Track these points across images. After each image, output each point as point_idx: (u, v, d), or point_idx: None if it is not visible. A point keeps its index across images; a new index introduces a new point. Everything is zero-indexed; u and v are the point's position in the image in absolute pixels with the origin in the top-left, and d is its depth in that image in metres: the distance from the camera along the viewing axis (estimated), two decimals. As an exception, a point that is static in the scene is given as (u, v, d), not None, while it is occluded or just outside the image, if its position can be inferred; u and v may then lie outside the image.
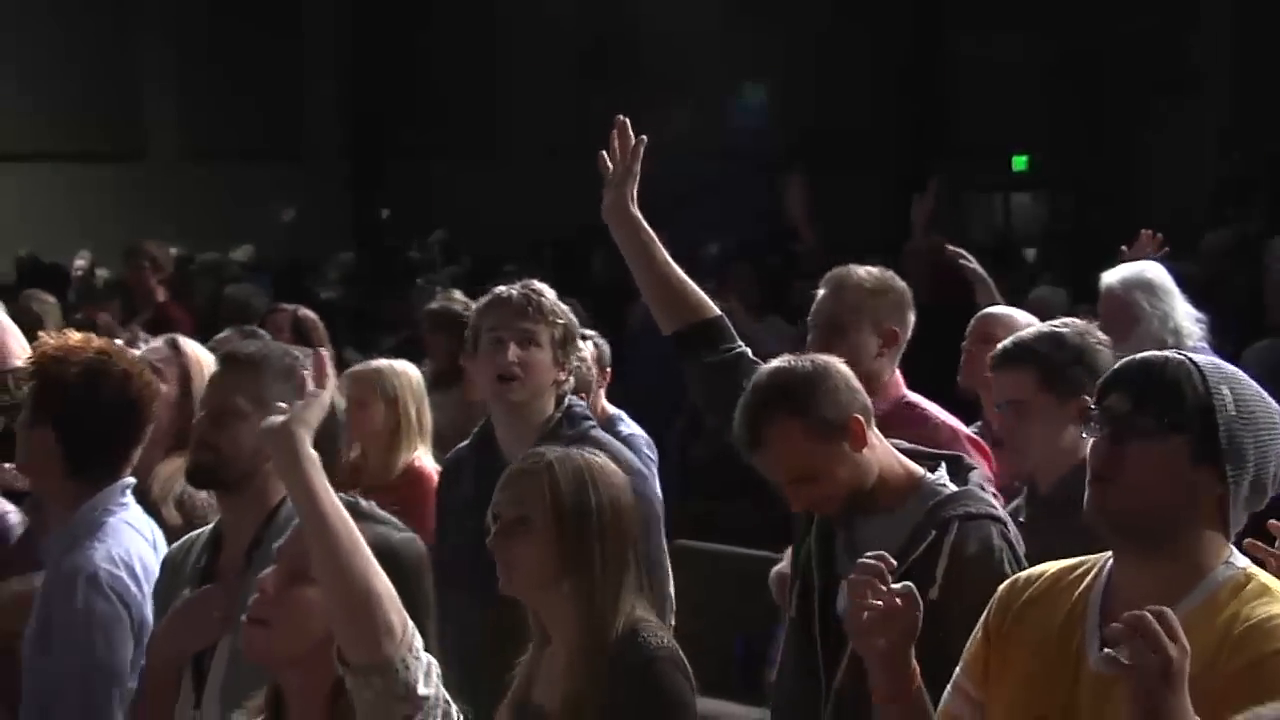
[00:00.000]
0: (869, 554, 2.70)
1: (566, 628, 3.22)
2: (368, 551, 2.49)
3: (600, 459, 3.35)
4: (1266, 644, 2.39)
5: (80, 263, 11.58)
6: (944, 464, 3.56)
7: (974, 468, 3.60)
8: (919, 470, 3.53)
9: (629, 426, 5.45)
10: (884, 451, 3.51)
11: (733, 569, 5.49)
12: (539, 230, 13.91)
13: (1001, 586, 2.73)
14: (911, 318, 4.60)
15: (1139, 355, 2.61)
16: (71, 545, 3.71)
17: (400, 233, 15.96)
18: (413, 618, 2.53)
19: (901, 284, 4.62)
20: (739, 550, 5.83)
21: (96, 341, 3.89)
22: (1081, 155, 15.39)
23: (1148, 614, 2.24)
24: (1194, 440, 2.48)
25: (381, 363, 5.75)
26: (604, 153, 4.00)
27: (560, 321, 4.26)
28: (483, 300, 4.41)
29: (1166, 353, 2.59)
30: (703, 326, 3.98)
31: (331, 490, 2.57)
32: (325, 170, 17.87)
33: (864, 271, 4.60)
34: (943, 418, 4.45)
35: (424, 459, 5.47)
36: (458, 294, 7.03)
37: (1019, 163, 16.66)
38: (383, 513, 2.77)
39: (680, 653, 3.27)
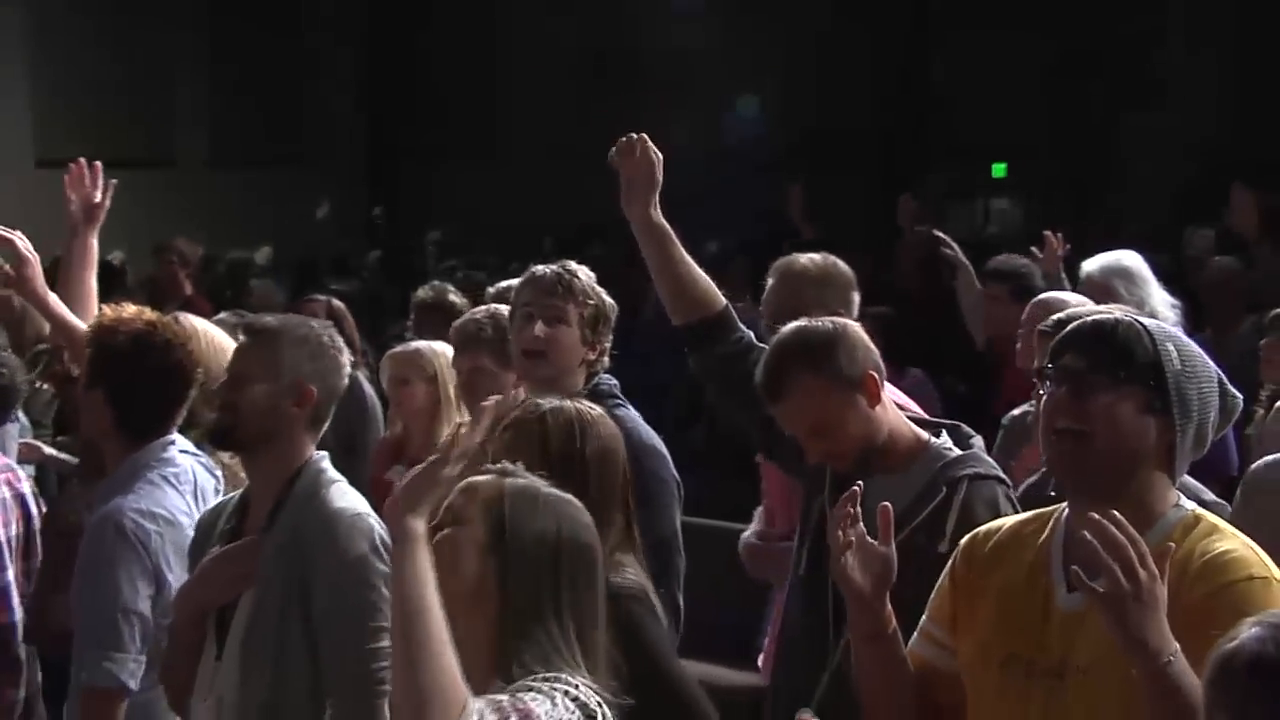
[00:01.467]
0: (844, 496, 2.79)
1: None
2: (441, 654, 2.37)
3: (595, 411, 3.37)
4: (1223, 576, 2.50)
5: (112, 262, 11.68)
6: (945, 431, 3.64)
7: (973, 435, 3.66)
8: (925, 434, 3.60)
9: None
10: (894, 413, 3.58)
11: (730, 545, 5.55)
12: (540, 229, 13.91)
13: (964, 540, 2.83)
14: (855, 298, 4.66)
15: (1091, 317, 2.72)
16: (110, 495, 3.98)
17: (408, 232, 16.03)
18: (577, 599, 2.55)
19: (843, 268, 4.68)
20: (735, 526, 5.88)
21: (148, 314, 4.14)
22: (1065, 158, 15.41)
23: (1122, 539, 2.33)
24: (1145, 392, 2.58)
25: (421, 344, 5.85)
26: (613, 155, 4.01)
27: (591, 302, 4.25)
28: (521, 278, 4.42)
29: (1115, 314, 2.71)
30: (712, 320, 4.01)
31: (427, 579, 2.42)
32: (340, 174, 17.97)
33: (806, 259, 4.66)
34: (894, 396, 4.46)
35: None
36: (449, 286, 7.03)
37: (998, 170, 16.72)
38: (566, 495, 2.69)
39: (648, 591, 3.29)
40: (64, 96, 15.52)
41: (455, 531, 2.57)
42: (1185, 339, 2.69)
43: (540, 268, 4.34)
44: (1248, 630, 2.07)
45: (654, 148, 4.01)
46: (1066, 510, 2.68)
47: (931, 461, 3.50)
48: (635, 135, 4.01)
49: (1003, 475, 3.55)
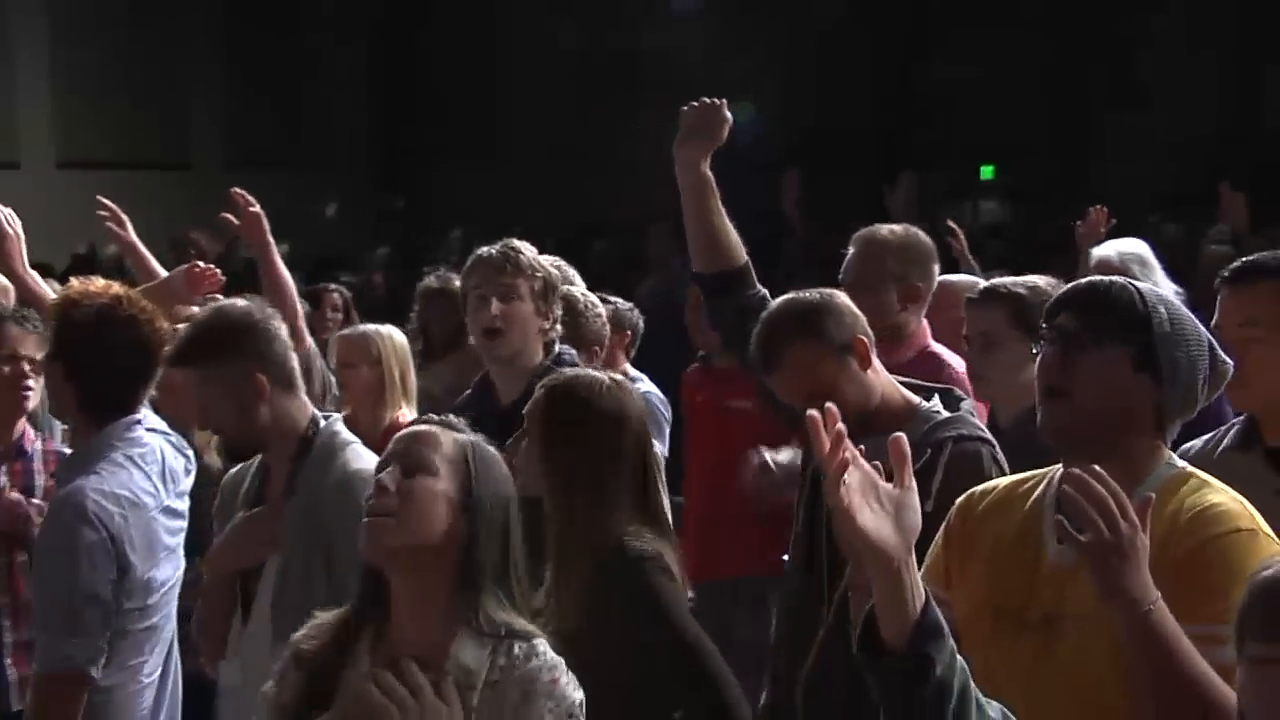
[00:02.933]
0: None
1: (554, 535, 3.27)
2: None
3: (605, 380, 3.39)
4: (1211, 528, 2.50)
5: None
6: (937, 395, 3.64)
7: (964, 399, 3.67)
8: (915, 398, 3.60)
9: (645, 385, 5.49)
10: (885, 378, 3.58)
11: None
12: (542, 229, 13.92)
13: (960, 498, 2.82)
14: (935, 270, 4.64)
15: (1085, 279, 2.73)
16: (72, 475, 3.79)
17: (416, 230, 16.08)
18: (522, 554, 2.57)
19: (925, 239, 4.67)
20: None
21: (116, 289, 3.89)
22: (1061, 158, 15.43)
23: (1104, 493, 2.33)
24: (1134, 351, 2.58)
25: (368, 327, 5.82)
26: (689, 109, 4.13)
27: (539, 274, 4.28)
28: (467, 262, 4.41)
29: (1109, 278, 2.70)
30: (733, 273, 4.06)
31: None
32: (349, 175, 18.02)
33: (888, 230, 4.67)
34: (957, 366, 4.44)
35: (408, 417, 5.44)
36: (454, 275, 7.06)
37: (986, 172, 16.75)
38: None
39: (666, 559, 3.30)
40: (84, 100, 15.59)
41: (431, 481, 2.56)
42: (1178, 304, 2.68)
43: (484, 249, 4.33)
44: None
45: (727, 113, 4.10)
46: (1061, 469, 2.67)
47: (919, 424, 3.50)
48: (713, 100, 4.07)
49: (988, 436, 3.53)
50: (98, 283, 3.93)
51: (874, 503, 2.18)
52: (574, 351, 4.35)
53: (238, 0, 17.05)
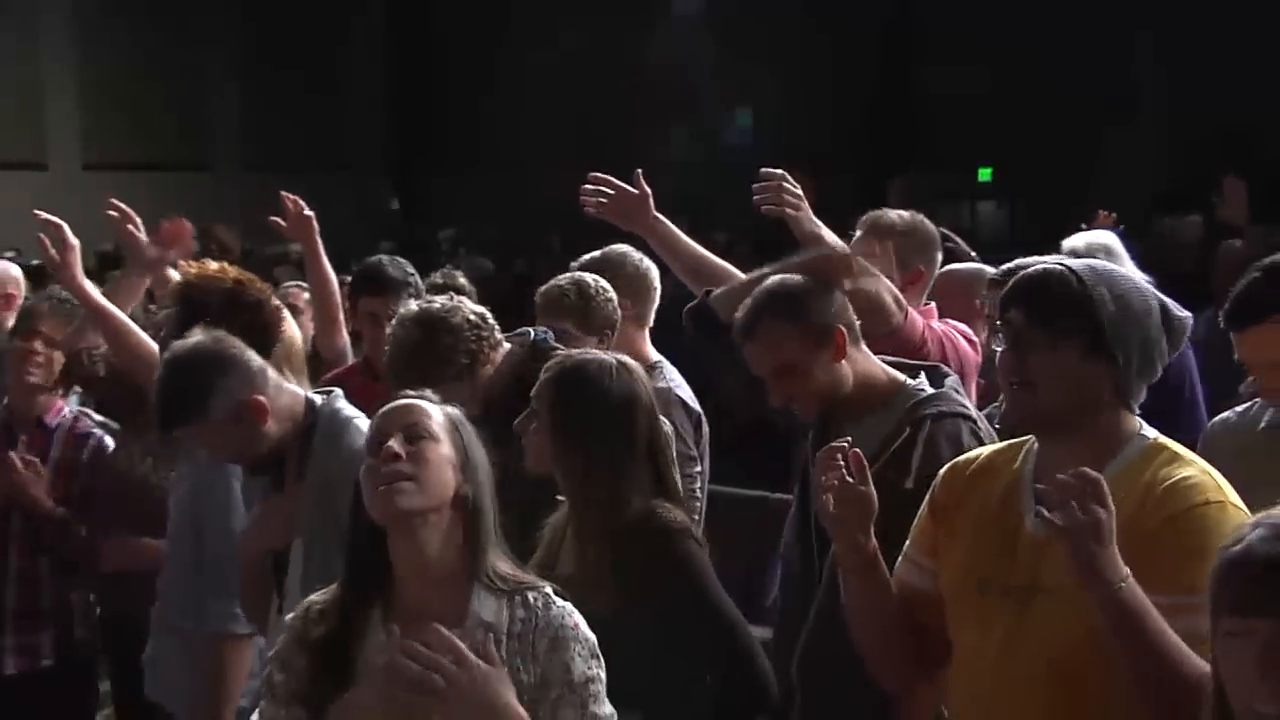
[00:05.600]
0: (831, 444, 2.77)
1: (573, 508, 3.29)
2: None
3: (614, 363, 3.35)
4: (1182, 501, 2.51)
5: (150, 258, 11.75)
6: (923, 373, 3.62)
7: (949, 374, 3.65)
8: (901, 377, 3.59)
9: (669, 378, 5.37)
10: (865, 362, 3.57)
11: (735, 509, 5.60)
12: (548, 230, 13.98)
13: (943, 469, 2.84)
14: (938, 256, 4.61)
15: (1028, 270, 2.69)
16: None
17: (424, 230, 16.16)
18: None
19: (929, 225, 4.62)
20: (738, 491, 5.95)
21: (232, 272, 4.10)
22: (1039, 165, 15.46)
23: (1077, 480, 2.35)
24: (1083, 339, 2.57)
25: None
26: (596, 194, 4.18)
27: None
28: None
29: (1047, 264, 2.67)
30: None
31: None
32: (363, 177, 18.08)
33: (895, 214, 4.62)
34: (927, 324, 4.27)
35: None
36: (459, 271, 6.98)
37: (984, 174, 16.79)
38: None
39: (696, 531, 3.28)
40: (109, 105, 15.70)
41: (436, 446, 2.64)
42: (1119, 275, 2.65)
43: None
44: (1251, 532, 2.04)
45: (629, 188, 4.19)
46: (1036, 441, 2.69)
47: (904, 402, 3.50)
48: (598, 178, 4.19)
49: (969, 412, 3.52)
50: (212, 265, 4.18)
51: None
52: (549, 332, 4.28)
53: (256, 8, 17.13)
